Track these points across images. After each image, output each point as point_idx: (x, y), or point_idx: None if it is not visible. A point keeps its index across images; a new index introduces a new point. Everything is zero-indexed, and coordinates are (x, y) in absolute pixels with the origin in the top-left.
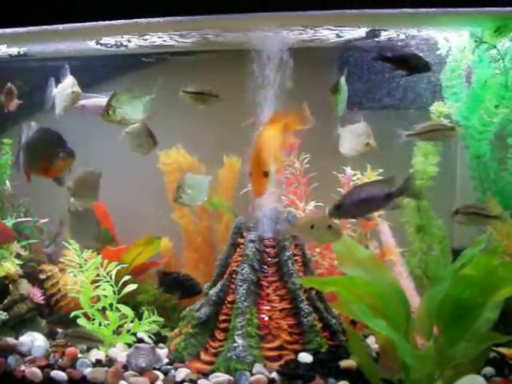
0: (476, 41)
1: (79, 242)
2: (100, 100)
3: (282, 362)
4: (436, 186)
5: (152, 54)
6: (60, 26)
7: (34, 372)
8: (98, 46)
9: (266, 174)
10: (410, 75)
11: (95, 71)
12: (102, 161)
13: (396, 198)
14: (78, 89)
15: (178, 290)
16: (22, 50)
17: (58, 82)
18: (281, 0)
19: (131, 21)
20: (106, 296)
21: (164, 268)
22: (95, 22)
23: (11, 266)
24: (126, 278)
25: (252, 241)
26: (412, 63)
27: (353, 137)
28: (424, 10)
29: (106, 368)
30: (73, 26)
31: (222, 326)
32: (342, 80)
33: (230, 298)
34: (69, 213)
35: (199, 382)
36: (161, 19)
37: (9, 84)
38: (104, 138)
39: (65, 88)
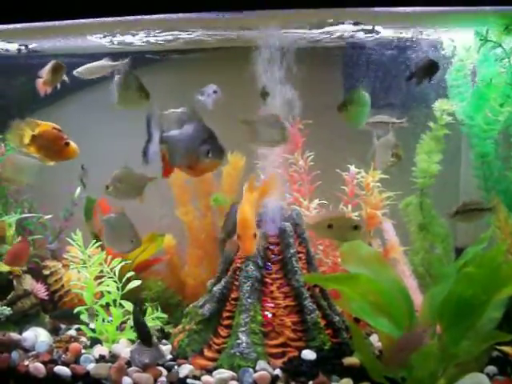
0: (481, 39)
1: (116, 247)
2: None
3: (285, 359)
4: (439, 185)
5: (156, 51)
6: (61, 22)
7: (38, 367)
8: (103, 42)
9: (254, 236)
10: (430, 80)
11: None
12: (106, 157)
13: None
14: None
15: None
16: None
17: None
18: None
19: (138, 17)
20: (109, 292)
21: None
22: (97, 19)
23: None
24: (130, 274)
25: None
26: (431, 69)
27: (385, 151)
28: (433, 8)
29: (109, 364)
30: (77, 22)
31: (226, 322)
32: (358, 94)
33: (233, 295)
34: (103, 221)
35: (203, 378)
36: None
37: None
38: (109, 134)
39: None
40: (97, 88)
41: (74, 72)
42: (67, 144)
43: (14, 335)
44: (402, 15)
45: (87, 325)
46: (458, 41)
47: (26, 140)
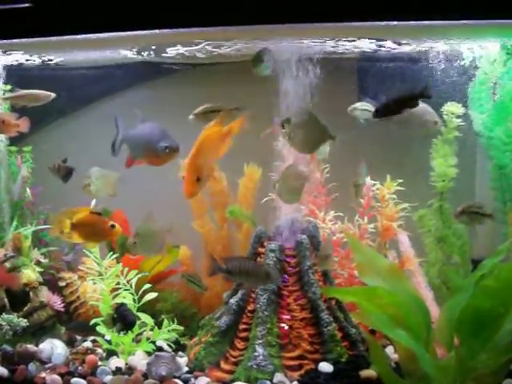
0: (508, 53)
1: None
2: None
3: (302, 372)
4: (455, 195)
5: (174, 62)
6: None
7: (55, 379)
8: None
9: (198, 179)
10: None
11: (114, 79)
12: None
13: None
14: None
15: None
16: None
17: None
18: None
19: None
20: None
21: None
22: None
23: (32, 273)
24: (146, 286)
25: (273, 250)
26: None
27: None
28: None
29: (126, 376)
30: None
31: (242, 335)
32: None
33: (250, 307)
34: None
35: None
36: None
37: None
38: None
39: None
40: None
41: None
42: (113, 226)
43: (31, 347)
44: (423, 28)
45: (103, 336)
46: (482, 53)
47: (66, 229)
